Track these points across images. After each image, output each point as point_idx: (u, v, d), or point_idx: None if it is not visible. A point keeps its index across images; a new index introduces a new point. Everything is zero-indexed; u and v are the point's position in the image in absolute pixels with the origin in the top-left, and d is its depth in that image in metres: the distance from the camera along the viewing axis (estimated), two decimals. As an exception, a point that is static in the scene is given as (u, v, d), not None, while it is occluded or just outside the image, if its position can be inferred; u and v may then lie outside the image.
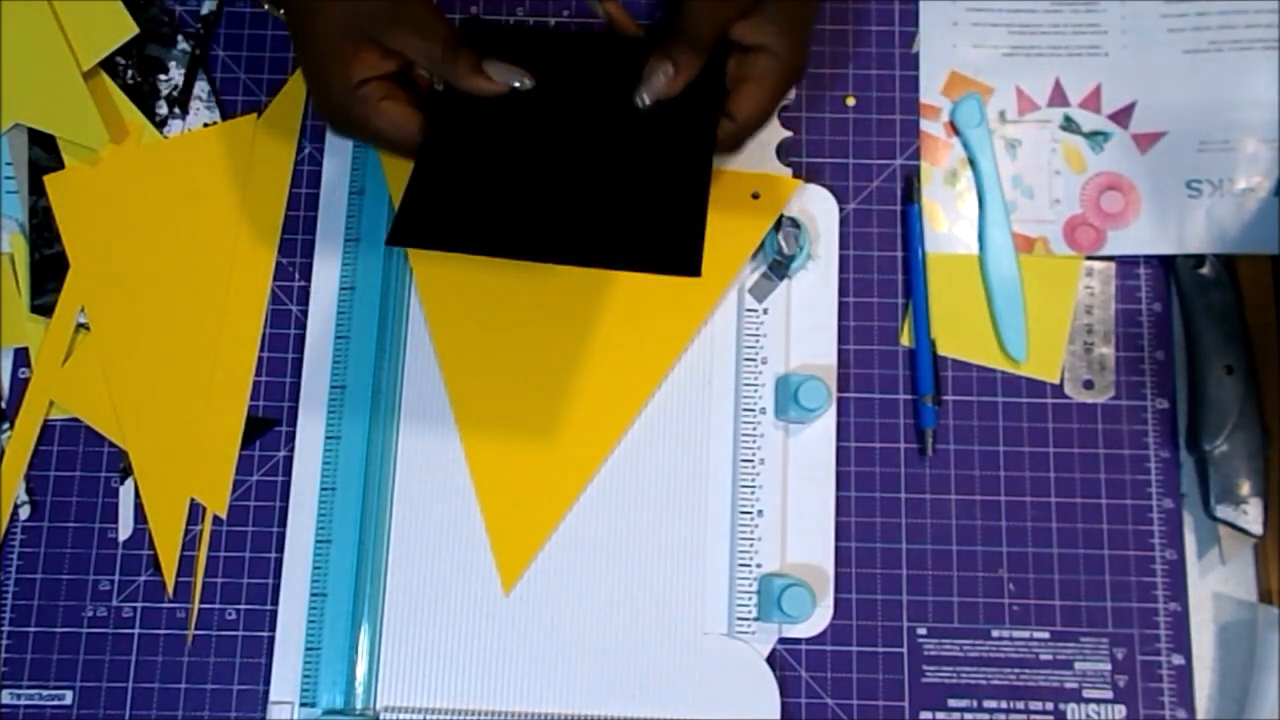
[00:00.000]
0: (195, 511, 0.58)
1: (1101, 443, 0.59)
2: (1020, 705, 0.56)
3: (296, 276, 0.60)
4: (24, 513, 0.57)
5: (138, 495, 0.58)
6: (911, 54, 0.63)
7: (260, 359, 0.59)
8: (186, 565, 0.57)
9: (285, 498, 0.57)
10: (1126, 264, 0.60)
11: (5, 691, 0.56)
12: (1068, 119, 0.62)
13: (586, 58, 0.57)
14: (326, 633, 0.55)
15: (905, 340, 0.60)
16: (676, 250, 0.51)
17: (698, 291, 0.58)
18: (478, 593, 0.56)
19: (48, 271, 0.59)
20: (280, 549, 0.57)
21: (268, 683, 0.56)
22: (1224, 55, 0.61)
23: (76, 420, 0.58)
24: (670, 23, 0.55)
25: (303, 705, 0.55)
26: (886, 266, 0.60)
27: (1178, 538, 0.58)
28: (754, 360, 0.58)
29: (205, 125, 0.61)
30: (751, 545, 0.57)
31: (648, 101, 0.54)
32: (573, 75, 0.56)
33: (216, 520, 0.57)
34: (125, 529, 0.57)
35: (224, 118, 0.61)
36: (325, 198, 0.60)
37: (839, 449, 0.58)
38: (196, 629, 0.57)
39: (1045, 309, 0.60)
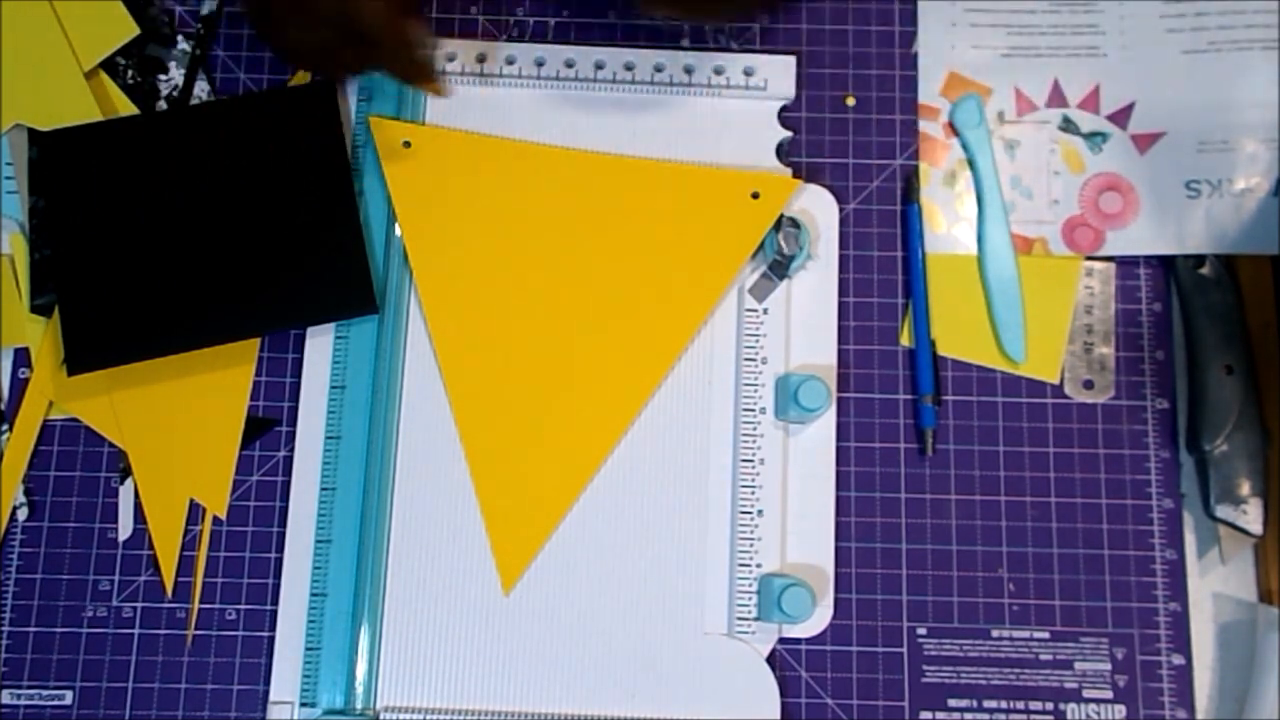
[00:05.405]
0: (195, 511, 0.57)
1: (1101, 443, 0.59)
2: (1020, 705, 0.56)
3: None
4: (22, 514, 0.57)
5: (137, 495, 0.58)
6: (911, 54, 0.63)
7: (260, 359, 0.59)
8: (186, 565, 0.57)
9: (285, 498, 0.57)
10: (1126, 264, 0.61)
11: (5, 691, 0.56)
12: (1066, 120, 0.62)
13: (192, 132, 0.59)
14: (326, 633, 0.55)
15: (905, 340, 0.60)
16: (350, 293, 0.57)
17: (698, 291, 0.58)
18: (478, 593, 0.56)
19: (48, 271, 0.59)
20: (280, 549, 0.57)
21: (268, 683, 0.55)
22: (1223, 55, 0.61)
23: (76, 420, 0.58)
24: None
25: (303, 705, 0.55)
26: (886, 266, 0.60)
27: (1178, 538, 0.58)
28: (754, 360, 0.58)
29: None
30: (751, 545, 0.57)
31: None
32: (185, 152, 0.58)
33: (216, 520, 0.57)
34: (125, 529, 0.57)
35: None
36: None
37: (839, 449, 0.58)
38: (196, 629, 0.56)
39: (1044, 309, 0.60)
